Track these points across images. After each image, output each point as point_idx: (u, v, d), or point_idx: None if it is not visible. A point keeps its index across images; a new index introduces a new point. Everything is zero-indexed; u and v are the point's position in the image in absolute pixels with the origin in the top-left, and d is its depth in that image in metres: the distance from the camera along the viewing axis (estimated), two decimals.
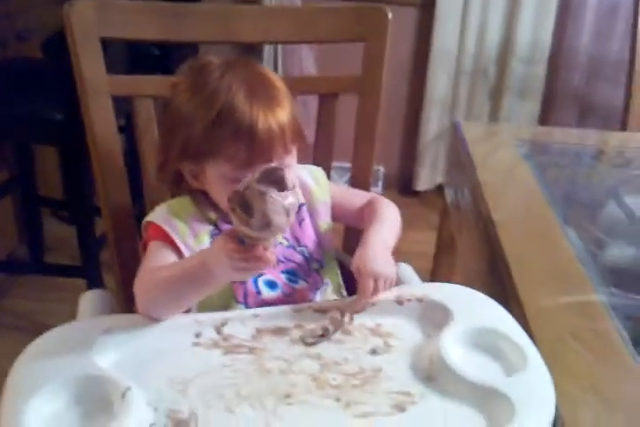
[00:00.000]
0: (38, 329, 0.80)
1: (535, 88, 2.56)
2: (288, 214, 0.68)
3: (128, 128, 1.53)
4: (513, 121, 2.57)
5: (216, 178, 0.84)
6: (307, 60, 2.52)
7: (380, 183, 2.74)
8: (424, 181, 2.72)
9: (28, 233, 2.09)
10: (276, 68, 2.55)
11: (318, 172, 1.00)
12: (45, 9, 2.09)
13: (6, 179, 2.00)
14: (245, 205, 0.67)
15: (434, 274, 1.73)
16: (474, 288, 0.91)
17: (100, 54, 0.97)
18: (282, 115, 0.82)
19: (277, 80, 0.87)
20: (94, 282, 1.73)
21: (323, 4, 1.08)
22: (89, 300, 0.94)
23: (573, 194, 1.36)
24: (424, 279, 1.75)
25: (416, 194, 2.74)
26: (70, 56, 0.97)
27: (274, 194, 0.67)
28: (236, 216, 0.68)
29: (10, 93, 1.63)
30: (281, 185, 0.68)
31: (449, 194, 1.60)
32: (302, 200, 0.94)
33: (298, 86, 1.04)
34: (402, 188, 2.78)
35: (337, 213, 0.98)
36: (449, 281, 1.63)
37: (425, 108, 2.62)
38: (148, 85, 1.02)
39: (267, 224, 0.66)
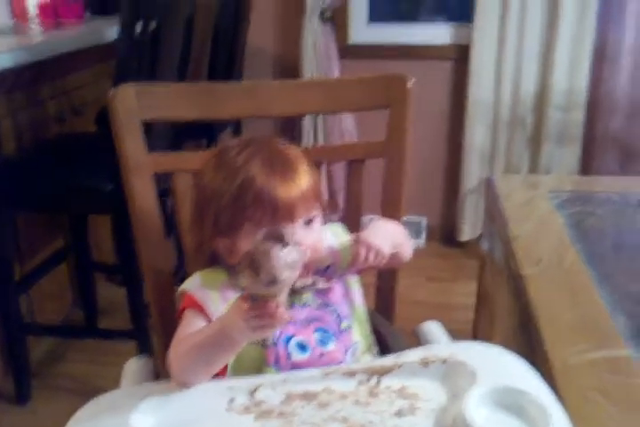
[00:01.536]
0: (92, 392, 0.85)
1: (574, 135, 2.54)
2: (293, 269, 0.72)
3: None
4: (553, 169, 2.56)
5: (248, 247, 0.89)
6: (346, 123, 2.58)
7: (424, 235, 2.76)
8: (467, 232, 2.72)
9: (82, 297, 2.17)
10: (316, 134, 2.64)
11: (338, 228, 1.05)
12: (98, 84, 2.23)
13: (62, 246, 2.10)
14: (254, 264, 0.72)
15: (476, 326, 1.73)
16: (508, 344, 0.92)
17: (141, 136, 1.04)
18: (298, 179, 0.89)
19: (293, 149, 0.95)
20: (145, 345, 1.78)
21: (349, 76, 1.15)
22: (132, 367, 0.99)
23: (608, 245, 1.36)
24: (469, 332, 1.75)
25: (460, 244, 2.74)
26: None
27: (277, 250, 0.71)
28: (245, 276, 0.72)
29: (65, 166, 1.72)
30: (283, 242, 0.73)
31: (485, 246, 1.61)
32: (329, 262, 0.98)
33: (325, 155, 1.10)
34: (445, 238, 2.79)
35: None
36: (489, 335, 1.63)
37: (464, 159, 2.64)
38: (187, 161, 1.08)
39: (273, 280, 0.70)
